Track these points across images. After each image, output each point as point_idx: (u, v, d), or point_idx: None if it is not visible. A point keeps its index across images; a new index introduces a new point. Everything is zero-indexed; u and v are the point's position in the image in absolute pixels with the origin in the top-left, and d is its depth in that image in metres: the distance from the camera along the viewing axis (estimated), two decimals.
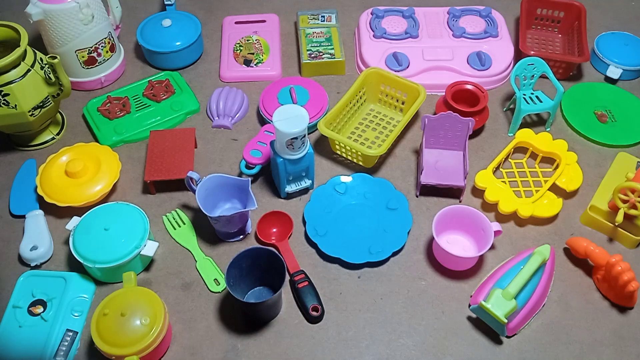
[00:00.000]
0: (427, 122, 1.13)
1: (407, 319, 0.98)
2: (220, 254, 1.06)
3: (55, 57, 1.08)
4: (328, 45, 1.35)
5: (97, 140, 1.22)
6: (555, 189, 1.11)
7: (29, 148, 1.22)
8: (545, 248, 0.97)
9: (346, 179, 1.13)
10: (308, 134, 1.09)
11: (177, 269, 1.04)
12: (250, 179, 1.05)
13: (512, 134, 1.23)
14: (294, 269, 1.02)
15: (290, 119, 0.99)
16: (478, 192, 1.13)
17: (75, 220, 1.03)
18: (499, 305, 0.91)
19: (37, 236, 1.06)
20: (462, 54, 1.32)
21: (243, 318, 0.98)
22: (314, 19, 1.41)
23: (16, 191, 1.14)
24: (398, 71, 1.29)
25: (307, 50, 1.35)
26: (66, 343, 0.94)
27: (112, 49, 1.31)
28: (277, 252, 0.94)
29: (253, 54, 1.37)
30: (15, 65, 1.08)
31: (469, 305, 0.98)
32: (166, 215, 1.11)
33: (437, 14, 1.41)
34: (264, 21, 1.44)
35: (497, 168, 1.17)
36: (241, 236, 1.08)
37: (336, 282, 1.03)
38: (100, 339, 0.88)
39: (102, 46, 1.27)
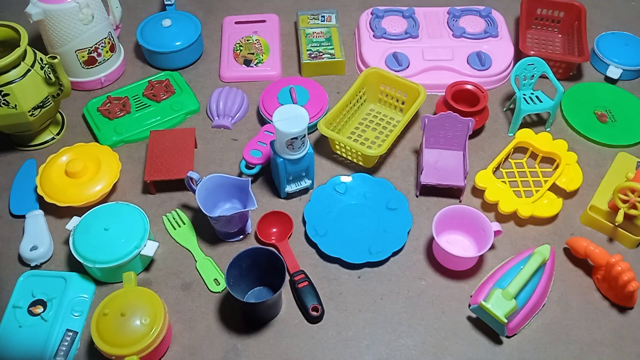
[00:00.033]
0: (427, 122, 1.13)
1: (407, 319, 0.98)
2: (220, 254, 1.06)
3: (55, 57, 1.08)
4: (328, 45, 1.35)
5: (97, 140, 1.22)
6: (555, 189, 1.11)
7: (29, 148, 1.22)
8: (545, 248, 0.97)
9: (346, 179, 1.13)
10: (308, 134, 1.09)
11: (177, 269, 1.04)
12: (250, 179, 1.05)
13: (512, 134, 1.23)
14: (294, 269, 1.02)
15: (290, 119, 0.99)
16: (478, 192, 1.13)
17: (75, 220, 1.03)
18: (499, 305, 0.90)
19: (37, 236, 1.05)
20: (462, 54, 1.32)
21: (243, 318, 0.98)
22: (314, 19, 1.41)
23: (16, 191, 1.14)
24: (398, 71, 1.29)
25: (307, 50, 1.35)
26: (66, 343, 0.94)
27: (112, 49, 1.31)
28: (277, 252, 0.94)
29: (253, 54, 1.37)
30: (15, 65, 1.08)
31: (469, 305, 0.98)
32: (166, 215, 1.11)
33: (437, 14, 1.41)
34: (264, 21, 1.44)
35: (497, 168, 1.16)
36: (241, 236, 1.08)
37: (336, 282, 1.02)
38: (100, 339, 0.88)
39: (102, 46, 1.27)
